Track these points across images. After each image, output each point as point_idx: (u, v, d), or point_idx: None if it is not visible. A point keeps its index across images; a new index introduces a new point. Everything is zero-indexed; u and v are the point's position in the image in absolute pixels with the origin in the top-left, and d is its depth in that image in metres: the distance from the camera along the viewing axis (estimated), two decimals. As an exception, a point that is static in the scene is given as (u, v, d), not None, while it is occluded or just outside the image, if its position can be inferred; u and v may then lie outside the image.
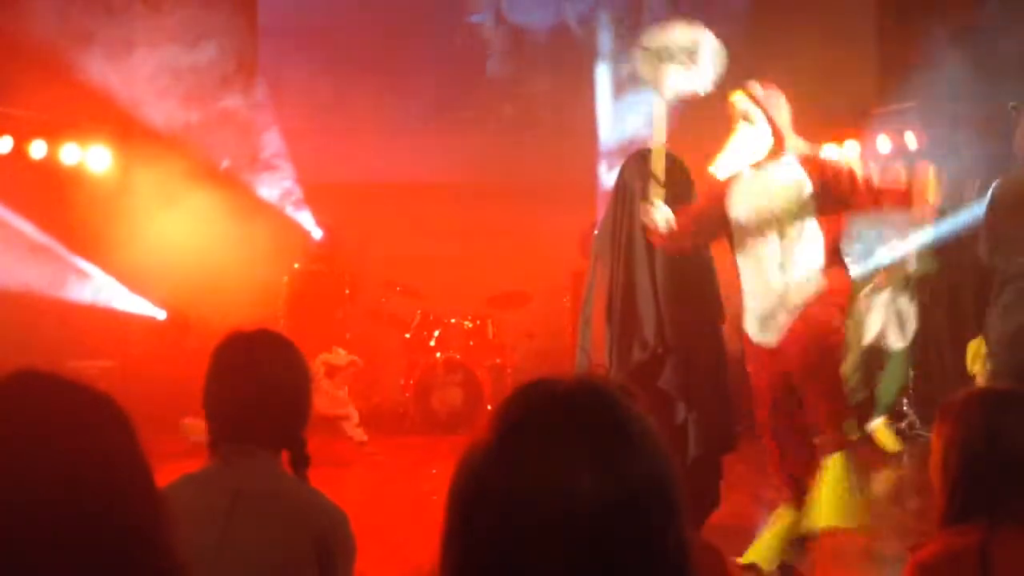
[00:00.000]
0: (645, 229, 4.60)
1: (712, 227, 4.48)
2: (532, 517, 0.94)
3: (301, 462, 2.17)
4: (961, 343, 7.92)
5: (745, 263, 4.35)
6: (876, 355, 7.56)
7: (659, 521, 0.98)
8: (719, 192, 4.47)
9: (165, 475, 1.42)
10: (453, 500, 1.00)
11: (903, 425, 7.96)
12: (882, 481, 6.83)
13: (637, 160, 4.91)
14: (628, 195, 4.77)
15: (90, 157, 8.53)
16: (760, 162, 4.38)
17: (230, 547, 1.99)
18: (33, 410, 1.02)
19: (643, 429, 1.00)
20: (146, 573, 1.02)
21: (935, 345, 8.37)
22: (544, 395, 1.01)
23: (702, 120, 8.53)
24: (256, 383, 2.13)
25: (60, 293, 8.00)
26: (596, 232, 5.48)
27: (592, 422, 0.98)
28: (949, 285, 8.24)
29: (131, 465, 1.05)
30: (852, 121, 8.60)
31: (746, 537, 5.30)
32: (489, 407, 8.05)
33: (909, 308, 7.49)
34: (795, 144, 4.36)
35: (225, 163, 8.05)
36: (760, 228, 4.25)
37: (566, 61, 9.34)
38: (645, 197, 4.61)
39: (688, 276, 4.72)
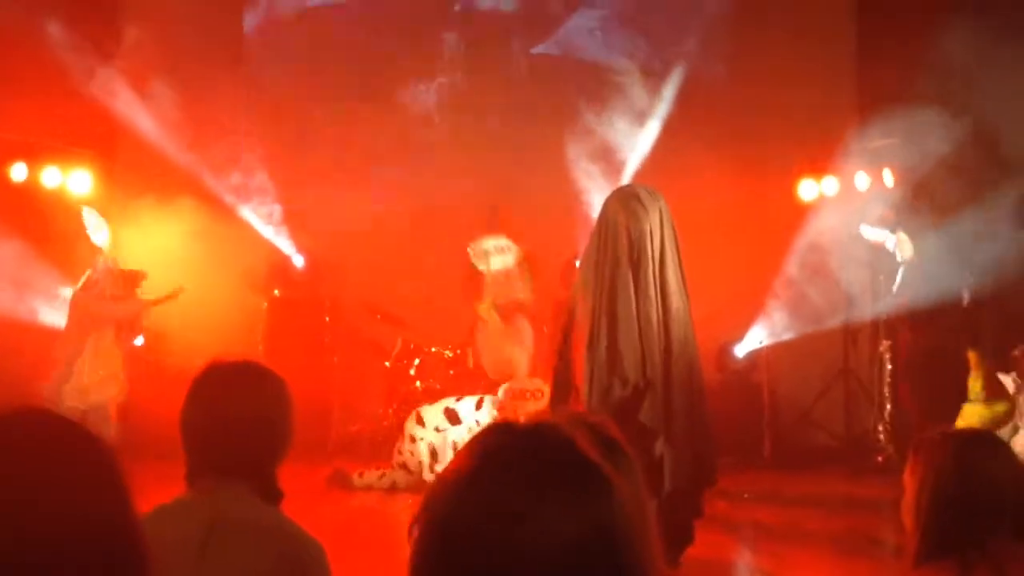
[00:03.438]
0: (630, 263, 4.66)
1: None
2: (487, 556, 0.96)
3: (271, 496, 2.14)
4: (936, 378, 8.00)
5: None
6: None
7: (608, 567, 0.99)
8: None
9: (143, 503, 1.41)
10: (416, 536, 1.03)
11: (880, 460, 7.99)
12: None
13: (621, 195, 4.94)
14: (612, 229, 4.80)
15: (71, 181, 8.49)
16: None
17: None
18: (25, 447, 1.04)
19: (599, 472, 1.03)
20: None
21: (911, 380, 8.42)
22: (503, 437, 1.04)
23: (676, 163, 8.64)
24: (230, 415, 2.10)
25: (39, 317, 7.93)
26: (578, 264, 5.50)
27: (549, 464, 1.01)
28: (924, 322, 8.31)
29: (114, 500, 1.06)
30: (831, 157, 8.71)
31: (724, 572, 5.30)
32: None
33: None
34: None
35: None
36: None
37: (547, 94, 9.43)
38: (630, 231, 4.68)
39: (670, 311, 4.74)
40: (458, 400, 7.45)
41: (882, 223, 6.90)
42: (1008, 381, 7.35)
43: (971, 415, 7.10)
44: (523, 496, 0.98)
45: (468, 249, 7.69)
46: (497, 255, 7.63)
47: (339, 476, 7.35)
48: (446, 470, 1.04)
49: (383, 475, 7.33)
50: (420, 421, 7.40)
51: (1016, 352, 6.85)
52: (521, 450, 1.02)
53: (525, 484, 0.99)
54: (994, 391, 7.30)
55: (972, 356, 7.26)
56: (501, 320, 7.57)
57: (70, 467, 1.04)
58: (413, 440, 7.30)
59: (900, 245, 6.77)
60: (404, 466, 7.27)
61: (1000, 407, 7.17)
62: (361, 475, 7.34)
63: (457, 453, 1.06)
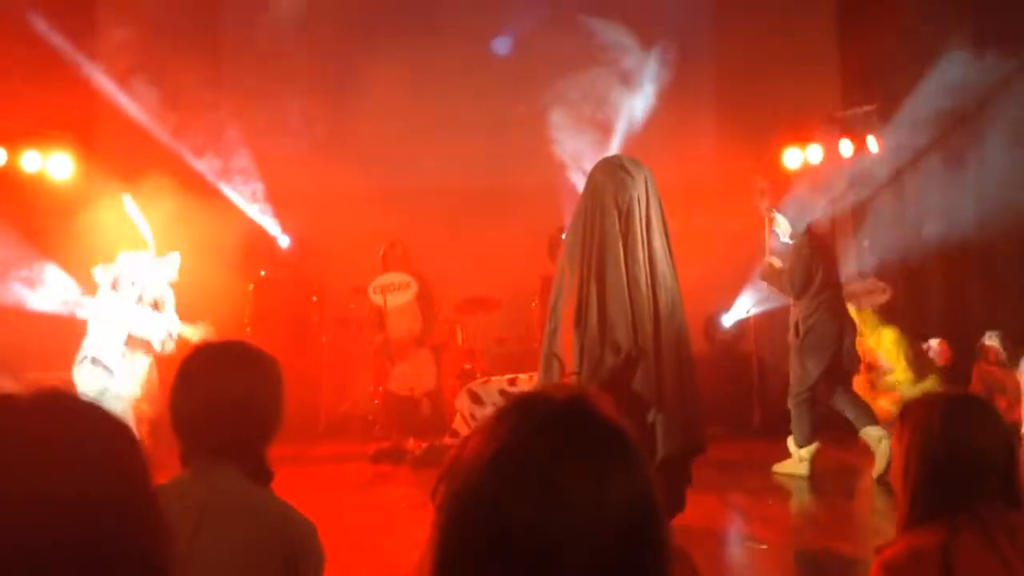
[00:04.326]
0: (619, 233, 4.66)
1: None
2: (528, 530, 0.96)
3: (261, 477, 2.13)
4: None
5: None
6: None
7: (648, 532, 1.00)
8: None
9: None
10: (444, 505, 1.01)
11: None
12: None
13: (607, 165, 4.92)
14: (599, 199, 4.78)
15: (51, 164, 8.42)
16: None
17: (198, 559, 1.97)
18: (60, 428, 1.04)
19: (632, 443, 1.03)
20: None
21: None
22: (539, 409, 1.03)
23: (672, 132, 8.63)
24: (218, 396, 2.10)
25: (21, 302, 7.88)
26: (564, 236, 5.48)
27: (589, 435, 1.01)
28: (912, 290, 8.39)
29: (140, 480, 1.07)
30: (815, 125, 8.71)
31: (715, 540, 5.34)
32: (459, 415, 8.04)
33: None
34: None
35: None
36: None
37: (532, 67, 9.37)
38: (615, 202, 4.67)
39: (657, 278, 4.74)
40: (511, 383, 7.44)
41: (763, 194, 7.14)
42: (932, 345, 7.41)
43: (893, 399, 7.24)
44: (569, 468, 0.98)
45: (369, 288, 7.79)
46: (395, 292, 7.74)
47: (393, 453, 7.38)
48: (475, 440, 1.02)
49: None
50: (476, 400, 7.40)
51: (983, 340, 6.94)
52: (561, 422, 1.01)
53: (570, 456, 0.98)
54: (921, 368, 7.45)
55: (892, 334, 7.41)
56: (397, 355, 7.70)
57: (93, 448, 1.03)
58: (474, 418, 7.27)
59: (778, 225, 7.01)
60: None
61: (928, 383, 7.30)
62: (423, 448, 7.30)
63: (487, 423, 1.04)
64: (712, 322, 8.93)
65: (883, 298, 7.60)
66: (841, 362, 6.75)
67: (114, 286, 6.43)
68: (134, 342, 6.39)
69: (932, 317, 8.22)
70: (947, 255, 7.99)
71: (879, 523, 5.49)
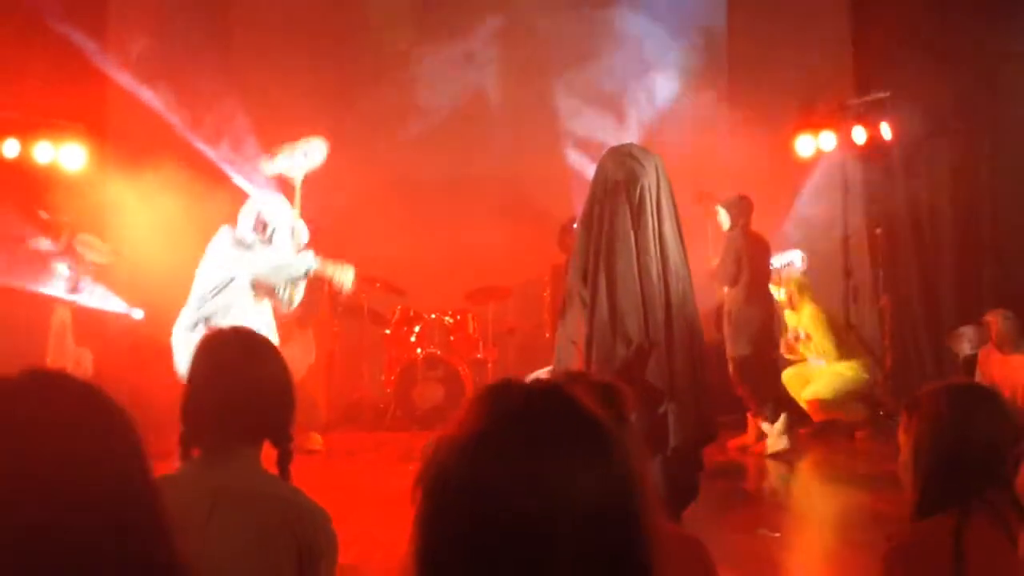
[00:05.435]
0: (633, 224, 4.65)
1: None
2: (504, 515, 0.97)
3: (287, 457, 2.16)
4: (936, 334, 8.07)
5: None
6: None
7: (630, 519, 1.00)
8: None
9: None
10: (426, 494, 1.02)
11: (880, 413, 8.03)
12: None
13: (616, 154, 4.90)
14: (610, 188, 4.75)
15: (63, 155, 8.44)
16: None
17: (210, 548, 1.97)
18: (50, 408, 1.02)
19: (608, 431, 1.03)
20: (155, 568, 1.02)
21: (911, 336, 8.47)
22: (509, 398, 1.04)
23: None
24: (245, 381, 2.12)
25: (32, 290, 7.92)
26: (575, 226, 5.47)
27: (558, 423, 1.02)
28: (924, 277, 8.35)
29: (136, 461, 1.05)
30: (828, 112, 8.66)
31: (728, 528, 5.34)
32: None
33: None
34: None
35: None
36: None
37: (541, 57, 9.35)
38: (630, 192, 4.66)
39: (668, 267, 4.72)
40: None
41: (700, 197, 7.38)
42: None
43: (829, 378, 7.24)
44: (538, 456, 0.98)
45: None
46: None
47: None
48: (451, 430, 1.03)
49: None
50: None
51: (988, 317, 6.80)
52: (530, 411, 1.02)
53: (539, 444, 0.99)
54: (847, 349, 7.47)
55: (811, 308, 7.43)
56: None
57: (88, 429, 1.02)
58: None
59: (719, 217, 7.29)
60: None
61: (850, 365, 7.30)
62: None
63: (462, 412, 1.05)
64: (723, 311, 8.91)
65: (801, 268, 7.74)
66: (766, 348, 7.18)
67: (258, 229, 5.73)
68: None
69: (945, 302, 8.17)
70: (961, 240, 7.94)
71: (889, 510, 5.48)
